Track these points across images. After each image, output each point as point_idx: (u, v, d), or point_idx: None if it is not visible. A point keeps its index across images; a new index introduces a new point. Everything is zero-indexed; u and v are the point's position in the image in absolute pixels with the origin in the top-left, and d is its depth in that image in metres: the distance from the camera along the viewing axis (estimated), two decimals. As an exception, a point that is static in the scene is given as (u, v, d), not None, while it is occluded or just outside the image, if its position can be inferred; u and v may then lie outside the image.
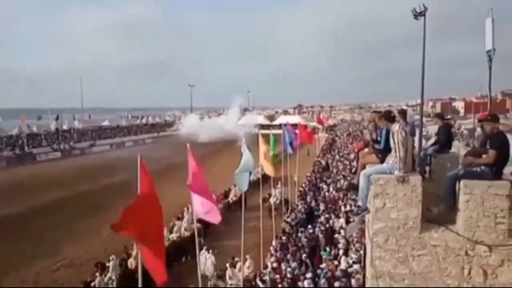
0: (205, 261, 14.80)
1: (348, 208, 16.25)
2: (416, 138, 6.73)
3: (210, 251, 14.98)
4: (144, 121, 73.88)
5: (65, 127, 56.43)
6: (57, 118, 55.22)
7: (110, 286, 12.78)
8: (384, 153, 5.20)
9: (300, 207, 20.05)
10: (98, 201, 24.92)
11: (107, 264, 13.47)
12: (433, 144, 6.93)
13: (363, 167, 5.38)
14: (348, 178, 22.51)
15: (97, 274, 12.64)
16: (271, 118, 70.67)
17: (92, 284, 12.39)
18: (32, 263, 16.41)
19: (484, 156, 4.75)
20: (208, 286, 12.43)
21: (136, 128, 68.86)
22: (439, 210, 4.72)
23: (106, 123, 67.09)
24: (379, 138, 5.71)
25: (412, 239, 4.58)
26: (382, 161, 5.19)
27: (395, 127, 4.91)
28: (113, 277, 13.00)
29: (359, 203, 5.29)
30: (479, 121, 6.31)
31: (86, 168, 39.51)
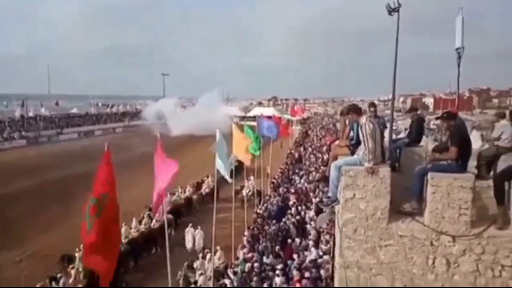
0: (193, 237, 15.77)
1: (318, 200, 16.46)
2: (387, 133, 6.85)
3: (199, 227, 15.80)
4: (114, 109, 71.93)
5: (31, 114, 54.32)
6: (22, 105, 53.06)
7: (77, 278, 12.44)
8: (356, 146, 5.26)
9: (272, 199, 20.15)
10: (65, 191, 24.16)
11: (75, 255, 13.15)
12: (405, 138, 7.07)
13: (335, 159, 5.42)
14: (320, 170, 22.81)
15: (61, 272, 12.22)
16: (246, 109, 70.56)
17: (59, 275, 12.02)
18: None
19: (445, 153, 4.91)
20: (178, 275, 12.31)
21: (106, 116, 67.00)
22: (412, 206, 4.80)
23: (74, 110, 65.03)
24: (351, 133, 5.76)
25: (380, 230, 4.66)
26: (353, 154, 5.24)
27: (363, 119, 4.97)
28: (81, 268, 12.66)
29: (329, 194, 5.33)
30: (437, 118, 6.48)
31: (53, 156, 38.25)
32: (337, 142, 6.07)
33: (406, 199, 4.96)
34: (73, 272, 12.47)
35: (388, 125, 7.40)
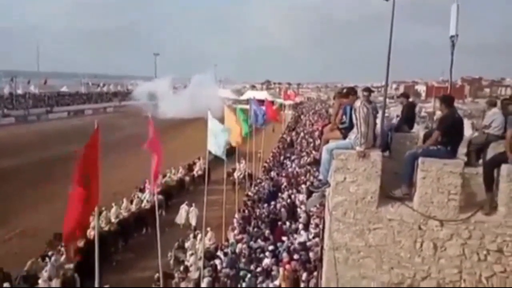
0: (187, 214, 16.36)
1: (309, 184, 16.59)
2: (378, 120, 6.86)
3: (193, 204, 16.22)
4: (105, 89, 70.93)
5: (19, 91, 53.36)
6: (12, 81, 52.08)
7: (68, 255, 12.43)
8: (348, 129, 5.26)
9: (263, 182, 20.26)
10: (53, 170, 23.93)
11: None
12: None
13: (326, 142, 5.42)
14: (312, 155, 22.94)
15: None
16: (239, 93, 70.07)
17: (50, 253, 12.01)
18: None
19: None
20: (169, 255, 12.41)
21: (96, 96, 66.15)
22: (403, 192, 4.85)
23: (64, 89, 63.95)
24: (344, 118, 5.74)
25: (369, 213, 4.70)
26: (345, 137, 5.25)
27: (357, 103, 4.96)
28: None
29: (320, 176, 5.35)
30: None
31: (42, 135, 37.77)
32: (329, 126, 6.06)
33: (396, 184, 5.00)
34: (64, 250, 12.46)
35: (380, 110, 7.41)
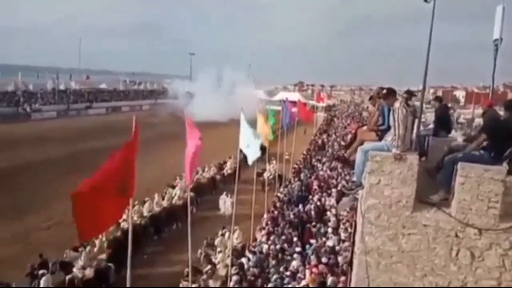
0: (224, 203, 17.59)
1: (339, 188, 16.38)
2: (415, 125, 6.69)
3: (229, 195, 17.09)
4: (142, 87, 73.04)
5: (61, 87, 55.86)
6: (56, 77, 54.73)
7: (101, 247, 12.88)
8: (385, 131, 5.16)
9: (293, 184, 20.17)
10: (91, 162, 24.77)
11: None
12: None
13: (361, 143, 5.34)
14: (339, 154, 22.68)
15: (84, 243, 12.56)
16: (271, 93, 70.00)
17: (80, 249, 12.44)
18: (23, 218, 16.50)
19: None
20: (199, 252, 12.59)
21: (133, 93, 68.20)
22: (440, 197, 4.70)
23: (103, 86, 66.31)
24: (380, 119, 5.64)
25: (404, 218, 4.58)
26: (381, 139, 5.15)
27: (396, 104, 4.84)
28: (104, 238, 13.11)
29: (354, 178, 5.28)
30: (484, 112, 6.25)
31: (81, 129, 39.46)
32: (364, 127, 5.96)
33: (432, 189, 4.86)
34: (97, 242, 12.92)
35: (417, 114, 7.23)
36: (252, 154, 12.76)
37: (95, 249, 12.66)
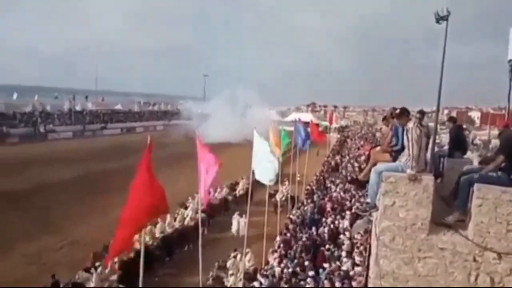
0: (238, 223, 17.56)
1: (353, 210, 16.14)
2: (429, 145, 6.61)
3: (243, 215, 16.68)
4: (156, 108, 74.35)
5: (78, 108, 57.17)
6: (73, 99, 56.18)
7: (113, 268, 12.83)
8: (399, 152, 5.10)
9: (306, 206, 19.95)
10: (105, 183, 25.17)
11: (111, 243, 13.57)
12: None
13: (374, 164, 5.28)
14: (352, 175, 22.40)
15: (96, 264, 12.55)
16: (283, 114, 70.26)
17: (97, 264, 12.45)
18: (37, 239, 16.63)
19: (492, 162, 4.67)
20: (210, 275, 12.44)
21: (148, 114, 69.37)
22: (455, 218, 4.59)
23: (118, 107, 67.73)
24: (393, 140, 5.59)
25: (419, 240, 4.46)
26: (395, 160, 5.09)
27: (410, 124, 4.80)
28: (115, 259, 13.07)
29: (368, 199, 5.20)
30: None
31: (96, 150, 40.08)
32: (378, 148, 5.91)
33: (448, 211, 4.75)
34: (109, 263, 12.88)
35: (431, 135, 7.16)
36: (266, 175, 12.72)
37: (107, 270, 12.61)
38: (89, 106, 60.71)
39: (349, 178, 21.89)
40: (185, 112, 66.07)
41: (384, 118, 6.58)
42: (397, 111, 5.20)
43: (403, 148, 4.97)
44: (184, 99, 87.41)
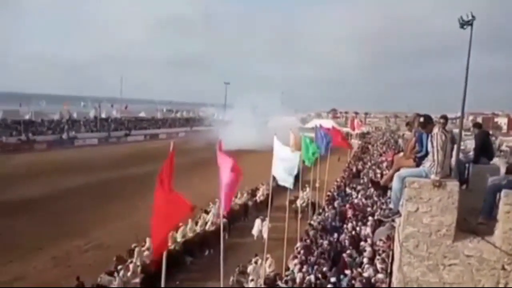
0: (260, 225, 17.63)
1: (376, 217, 15.90)
2: (454, 151, 6.47)
3: (266, 218, 16.27)
4: (178, 115, 75.60)
5: (103, 115, 58.69)
6: (99, 106, 57.77)
7: (135, 272, 13.03)
8: (422, 158, 5.02)
9: (327, 212, 19.76)
10: (128, 188, 25.73)
11: (135, 250, 13.82)
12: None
13: (397, 170, 5.21)
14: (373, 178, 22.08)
15: (118, 268, 12.77)
16: (304, 121, 70.03)
17: (119, 267, 12.68)
18: (63, 242, 17.06)
19: None
20: (231, 280, 12.47)
21: (170, 121, 70.56)
22: (477, 221, 4.50)
23: (142, 114, 69.20)
24: (417, 146, 5.50)
25: (444, 247, 4.39)
26: (418, 166, 5.02)
27: (435, 129, 4.72)
28: (138, 263, 13.29)
29: (391, 205, 5.13)
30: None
31: (120, 155, 41.02)
32: (401, 154, 5.83)
33: (474, 218, 4.65)
34: (131, 266, 13.10)
35: (456, 141, 7.02)
36: (286, 178, 12.70)
37: (129, 273, 12.82)
38: (114, 114, 62.24)
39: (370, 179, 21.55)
40: (206, 118, 66.89)
41: (408, 123, 6.49)
42: (421, 119, 5.10)
43: (427, 154, 4.89)
44: (206, 106, 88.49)
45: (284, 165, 12.48)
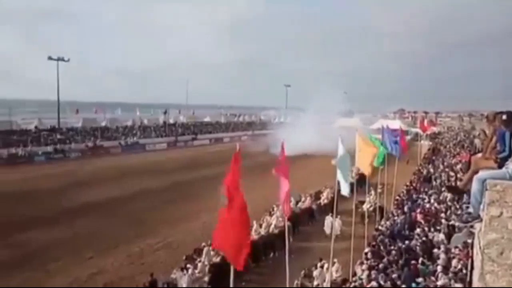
0: (332, 223, 16.52)
1: (451, 222, 14.88)
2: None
3: (339, 216, 16.69)
4: (241, 119, 77.47)
5: (171, 121, 61.96)
6: (165, 112, 61.04)
7: (203, 270, 13.48)
8: (506, 159, 4.61)
9: (396, 217, 18.90)
10: (197, 190, 26.79)
11: (203, 249, 14.33)
12: None
13: (476, 172, 4.83)
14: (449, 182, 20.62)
15: (187, 266, 13.24)
16: (369, 122, 67.59)
17: (188, 266, 13.22)
18: (137, 241, 18.18)
19: None
20: (295, 283, 12.43)
21: (233, 125, 72.49)
22: None
23: (207, 119, 71.92)
24: (498, 146, 5.07)
25: (534, 256, 3.99)
26: (500, 167, 4.62)
27: None
28: (206, 262, 13.73)
29: (470, 209, 4.77)
30: None
31: (189, 159, 42.96)
32: (479, 155, 5.41)
33: None
34: (199, 265, 13.58)
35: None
36: (344, 186, 12.53)
37: (197, 271, 13.29)
38: (181, 119, 65.48)
39: (446, 185, 20.23)
40: (268, 122, 67.57)
41: (487, 117, 5.97)
42: (504, 116, 4.67)
43: (510, 154, 4.49)
44: (267, 109, 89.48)
45: (342, 175, 12.31)
